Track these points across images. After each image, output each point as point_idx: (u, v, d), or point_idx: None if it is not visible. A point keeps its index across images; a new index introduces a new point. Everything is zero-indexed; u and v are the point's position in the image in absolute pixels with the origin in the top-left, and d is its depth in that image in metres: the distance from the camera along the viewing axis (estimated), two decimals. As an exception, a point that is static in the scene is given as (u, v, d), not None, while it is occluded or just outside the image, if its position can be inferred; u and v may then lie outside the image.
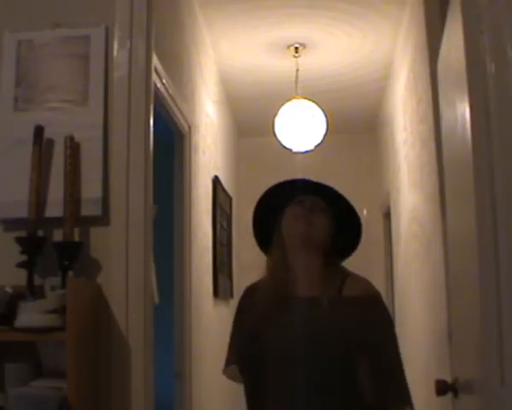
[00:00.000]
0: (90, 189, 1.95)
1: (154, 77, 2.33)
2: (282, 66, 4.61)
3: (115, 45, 2.03)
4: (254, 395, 1.82)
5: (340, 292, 1.82)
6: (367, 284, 1.88)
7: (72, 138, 1.94)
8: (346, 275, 1.88)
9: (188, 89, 3.47)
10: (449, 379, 2.02)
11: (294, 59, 4.42)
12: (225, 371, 1.95)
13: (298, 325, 1.79)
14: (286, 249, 1.89)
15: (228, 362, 1.93)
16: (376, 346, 1.78)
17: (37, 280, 1.89)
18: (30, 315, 1.73)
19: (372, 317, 1.80)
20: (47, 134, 1.95)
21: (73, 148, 1.94)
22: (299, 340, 1.76)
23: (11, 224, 1.96)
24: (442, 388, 1.99)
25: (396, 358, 1.86)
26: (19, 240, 1.87)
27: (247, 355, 1.83)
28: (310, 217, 1.87)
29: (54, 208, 1.94)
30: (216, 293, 4.12)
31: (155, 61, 2.33)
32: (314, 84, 4.85)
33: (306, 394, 1.74)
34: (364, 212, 6.33)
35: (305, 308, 1.82)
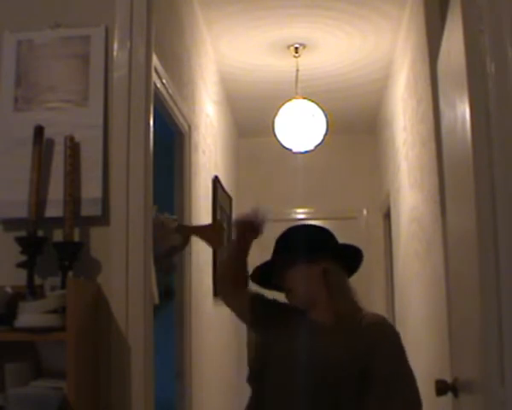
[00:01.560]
0: (90, 189, 1.95)
1: (154, 77, 2.33)
2: (282, 66, 4.61)
3: (115, 45, 2.03)
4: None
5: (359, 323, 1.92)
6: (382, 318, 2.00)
7: (72, 138, 1.94)
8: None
9: (188, 89, 3.47)
10: (449, 379, 2.02)
11: (294, 59, 4.42)
12: None
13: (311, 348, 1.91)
14: None
15: None
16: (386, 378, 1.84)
17: (37, 280, 1.89)
18: (30, 315, 1.73)
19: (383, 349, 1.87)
20: (47, 134, 1.95)
21: (73, 148, 1.93)
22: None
23: (11, 224, 1.96)
24: (442, 388, 1.99)
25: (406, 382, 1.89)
26: (19, 240, 1.87)
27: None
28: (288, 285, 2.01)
29: (54, 208, 1.93)
30: (216, 293, 4.12)
31: (155, 61, 2.33)
32: (314, 84, 4.85)
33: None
34: (364, 212, 6.34)
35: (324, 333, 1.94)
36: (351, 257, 2.06)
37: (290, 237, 2.06)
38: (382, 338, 1.89)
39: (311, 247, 2.00)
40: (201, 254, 3.70)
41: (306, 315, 1.97)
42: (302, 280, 1.98)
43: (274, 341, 1.99)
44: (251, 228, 2.00)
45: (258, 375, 1.97)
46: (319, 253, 1.99)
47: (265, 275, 2.09)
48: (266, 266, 2.07)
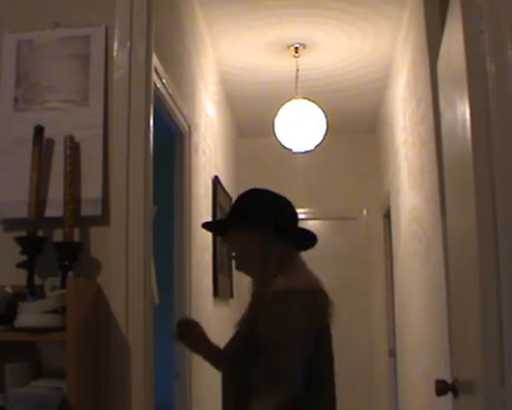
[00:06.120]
0: (90, 189, 1.95)
1: (154, 77, 2.33)
2: (282, 66, 4.60)
3: (115, 45, 2.03)
4: None
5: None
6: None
7: (72, 138, 1.94)
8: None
9: (188, 89, 3.47)
10: (449, 379, 2.02)
11: (294, 59, 4.42)
12: None
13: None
14: None
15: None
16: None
17: (37, 280, 1.89)
18: (30, 315, 1.73)
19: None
20: (47, 134, 1.95)
21: (73, 148, 1.93)
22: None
23: (11, 224, 1.96)
24: (442, 388, 1.99)
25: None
26: (19, 240, 1.87)
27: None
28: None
29: (54, 208, 1.93)
30: (216, 293, 4.12)
31: (155, 61, 2.33)
32: (314, 84, 4.85)
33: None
34: (364, 212, 6.34)
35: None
36: (304, 238, 1.99)
37: (238, 201, 2.03)
38: (262, 309, 1.80)
39: (255, 213, 1.94)
40: (201, 254, 3.70)
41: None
42: (241, 246, 1.95)
43: None
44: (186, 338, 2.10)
45: None
46: (263, 221, 1.91)
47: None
48: (218, 223, 2.10)
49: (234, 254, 2.00)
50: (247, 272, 1.97)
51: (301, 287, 1.80)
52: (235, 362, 1.82)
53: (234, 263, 2.00)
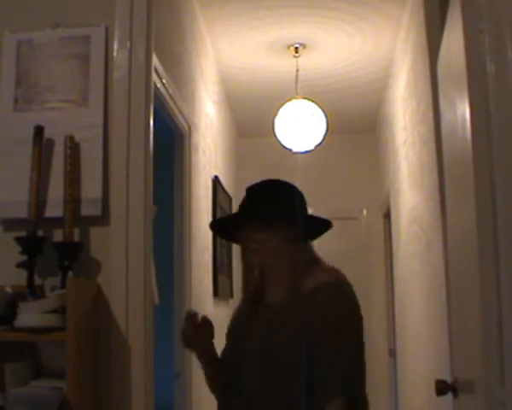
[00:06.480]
0: (90, 189, 1.95)
1: (154, 77, 2.33)
2: (282, 66, 4.61)
3: (115, 45, 2.03)
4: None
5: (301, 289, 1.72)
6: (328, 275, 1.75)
7: (72, 138, 1.94)
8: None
9: (188, 89, 3.47)
10: (449, 379, 2.02)
11: (294, 59, 4.42)
12: None
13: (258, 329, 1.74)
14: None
15: None
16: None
17: (37, 280, 1.89)
18: (30, 315, 1.73)
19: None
20: (47, 134, 1.95)
21: (73, 148, 1.93)
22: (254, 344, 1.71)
23: (11, 224, 1.96)
24: (442, 388, 1.99)
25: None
26: (19, 240, 1.87)
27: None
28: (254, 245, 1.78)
29: (54, 208, 1.93)
30: (216, 293, 4.12)
31: (155, 61, 2.33)
32: (314, 84, 4.85)
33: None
34: (364, 212, 6.34)
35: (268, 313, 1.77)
36: (316, 225, 1.90)
37: (263, 194, 1.85)
38: (320, 307, 1.66)
39: (284, 209, 1.81)
40: (201, 254, 3.70)
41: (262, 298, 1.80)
42: (277, 245, 1.77)
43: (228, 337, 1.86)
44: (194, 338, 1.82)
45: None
46: (292, 217, 1.80)
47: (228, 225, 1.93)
48: (232, 217, 1.91)
49: (256, 246, 1.78)
50: (273, 269, 1.80)
51: (344, 280, 1.74)
52: (294, 363, 1.63)
53: (256, 256, 1.79)
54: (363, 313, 1.73)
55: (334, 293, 1.69)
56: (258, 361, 1.68)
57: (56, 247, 1.89)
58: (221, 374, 1.82)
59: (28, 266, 1.86)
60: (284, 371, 1.64)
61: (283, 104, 4.42)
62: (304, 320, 1.64)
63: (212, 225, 2.10)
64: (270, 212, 1.80)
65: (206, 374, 1.90)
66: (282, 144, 4.61)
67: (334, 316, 1.65)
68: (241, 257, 1.86)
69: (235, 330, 1.87)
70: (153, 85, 2.14)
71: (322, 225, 1.92)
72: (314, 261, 1.82)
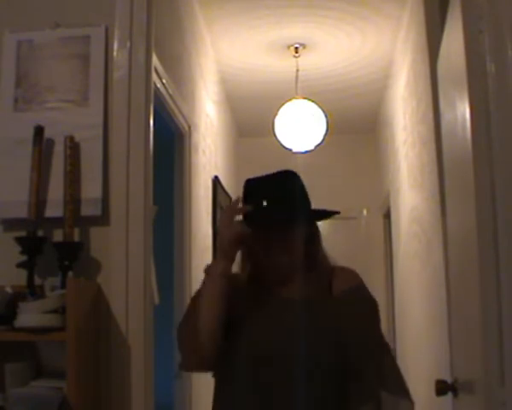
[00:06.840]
0: (90, 189, 1.95)
1: (154, 77, 2.33)
2: (282, 66, 4.61)
3: (115, 45, 2.03)
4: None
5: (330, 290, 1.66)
6: (352, 275, 1.70)
7: (72, 138, 1.94)
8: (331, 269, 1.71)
9: (188, 89, 3.47)
10: (449, 379, 2.02)
11: (294, 59, 4.42)
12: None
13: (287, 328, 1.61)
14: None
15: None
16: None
17: (37, 280, 1.89)
18: (30, 315, 1.73)
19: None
20: (47, 134, 1.95)
21: (73, 148, 1.93)
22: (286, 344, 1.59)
23: (11, 224, 1.96)
24: (442, 388, 1.99)
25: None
26: (19, 240, 1.87)
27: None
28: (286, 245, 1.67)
29: (54, 208, 1.93)
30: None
31: (155, 61, 2.33)
32: (314, 84, 4.85)
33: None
34: (364, 212, 6.34)
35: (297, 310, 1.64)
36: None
37: (294, 187, 1.77)
38: (359, 310, 1.61)
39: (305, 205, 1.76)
40: (201, 254, 3.70)
41: (271, 290, 1.66)
42: (298, 242, 1.67)
43: (239, 328, 1.60)
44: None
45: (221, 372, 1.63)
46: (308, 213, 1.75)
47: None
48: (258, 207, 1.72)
49: (288, 238, 1.67)
50: (295, 265, 1.67)
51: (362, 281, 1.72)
52: (330, 363, 1.56)
53: (271, 253, 1.66)
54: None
55: (368, 297, 1.65)
56: (288, 358, 1.57)
57: (56, 247, 1.89)
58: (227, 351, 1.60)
59: (28, 266, 1.86)
60: (318, 370, 1.56)
61: (283, 104, 4.42)
62: (341, 321, 1.59)
63: (248, 218, 1.72)
64: (307, 208, 1.78)
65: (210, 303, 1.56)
66: (282, 144, 4.61)
67: (372, 318, 1.62)
68: (253, 246, 1.66)
69: (248, 319, 1.63)
70: (153, 85, 2.14)
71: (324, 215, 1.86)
72: (327, 257, 1.78)
